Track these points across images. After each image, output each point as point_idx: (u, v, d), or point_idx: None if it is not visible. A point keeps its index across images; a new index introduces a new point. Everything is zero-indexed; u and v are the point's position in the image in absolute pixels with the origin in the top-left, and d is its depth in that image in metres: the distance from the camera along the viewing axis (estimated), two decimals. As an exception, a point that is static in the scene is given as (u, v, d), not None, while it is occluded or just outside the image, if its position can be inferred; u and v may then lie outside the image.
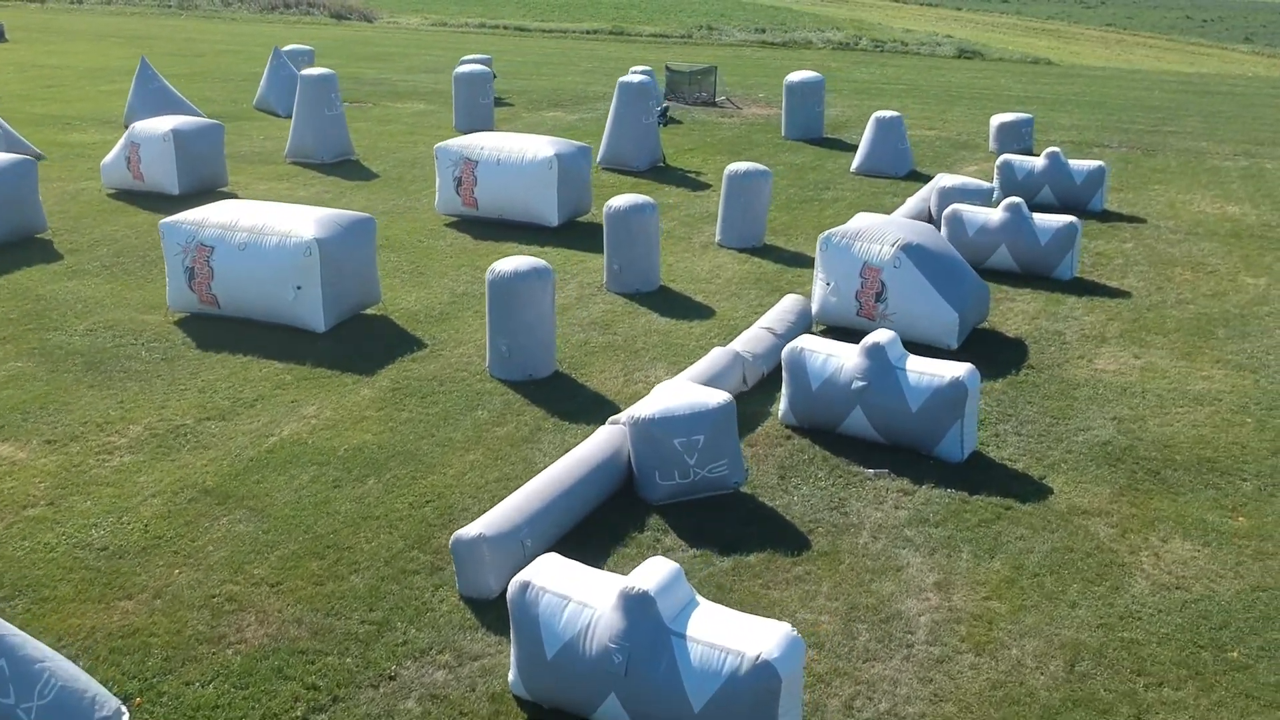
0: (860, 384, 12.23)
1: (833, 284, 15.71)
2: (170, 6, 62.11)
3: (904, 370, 12.15)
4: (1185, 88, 41.25)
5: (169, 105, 29.83)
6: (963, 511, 11.09)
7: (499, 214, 21.06)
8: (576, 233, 20.77)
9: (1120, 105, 36.54)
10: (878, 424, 12.27)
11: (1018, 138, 28.21)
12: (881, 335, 12.39)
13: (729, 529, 10.71)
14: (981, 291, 15.80)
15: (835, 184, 25.19)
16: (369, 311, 16.49)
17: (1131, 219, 22.46)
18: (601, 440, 11.31)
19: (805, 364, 12.66)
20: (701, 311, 16.76)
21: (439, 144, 21.57)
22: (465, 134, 30.37)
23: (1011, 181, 23.22)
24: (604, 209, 17.59)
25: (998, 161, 23.54)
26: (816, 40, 50.72)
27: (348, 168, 26.00)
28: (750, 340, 14.39)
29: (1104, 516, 11.05)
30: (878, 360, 12.26)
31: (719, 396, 11.07)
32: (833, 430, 12.64)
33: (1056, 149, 23.11)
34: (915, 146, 29.34)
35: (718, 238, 20.36)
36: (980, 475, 11.86)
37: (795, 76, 30.12)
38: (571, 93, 36.98)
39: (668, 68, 37.09)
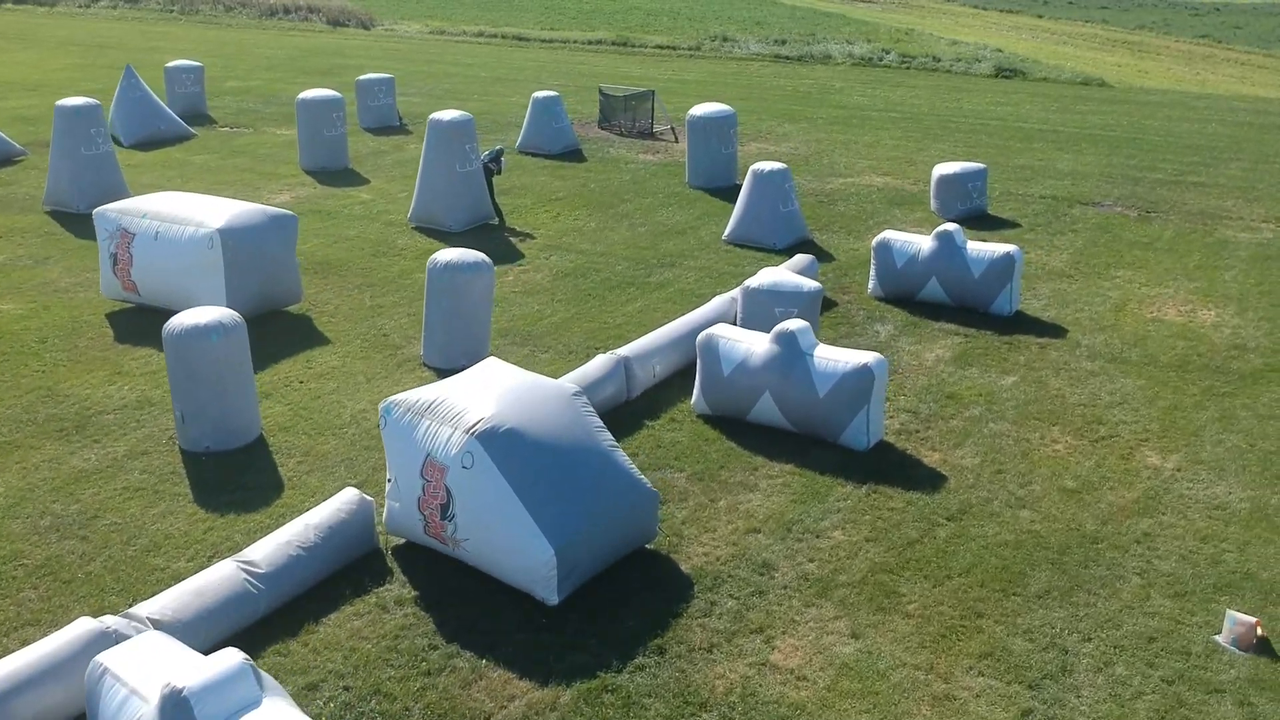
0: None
1: (394, 480, 10.07)
2: (172, 12, 58.88)
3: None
4: (1254, 118, 33.68)
5: (-31, 133, 25.61)
6: None
7: (164, 304, 15.88)
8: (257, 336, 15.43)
9: (1154, 142, 29.45)
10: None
11: (963, 195, 21.77)
12: (213, 663, 6.75)
13: None
14: (635, 505, 9.93)
15: (685, 260, 19.28)
16: None
17: (1049, 328, 16.05)
18: None
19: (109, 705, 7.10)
20: (263, 495, 11.25)
21: (99, 208, 16.50)
22: (310, 172, 25.49)
23: (889, 270, 17.02)
24: (163, 330, 12.21)
25: (874, 242, 17.35)
26: (837, 54, 44.21)
27: (102, 220, 21.15)
28: (195, 593, 8.87)
29: None
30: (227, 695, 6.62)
31: None
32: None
33: (952, 227, 16.80)
34: (847, 200, 23.17)
35: (421, 354, 14.79)
36: None
37: (700, 110, 24.18)
38: (503, 117, 31.59)
39: (601, 91, 31.46)
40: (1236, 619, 8.85)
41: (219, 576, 9.01)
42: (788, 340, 12.30)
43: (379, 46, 47.65)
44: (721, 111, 24.06)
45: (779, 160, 26.84)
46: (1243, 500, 11.28)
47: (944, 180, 21.90)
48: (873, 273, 17.27)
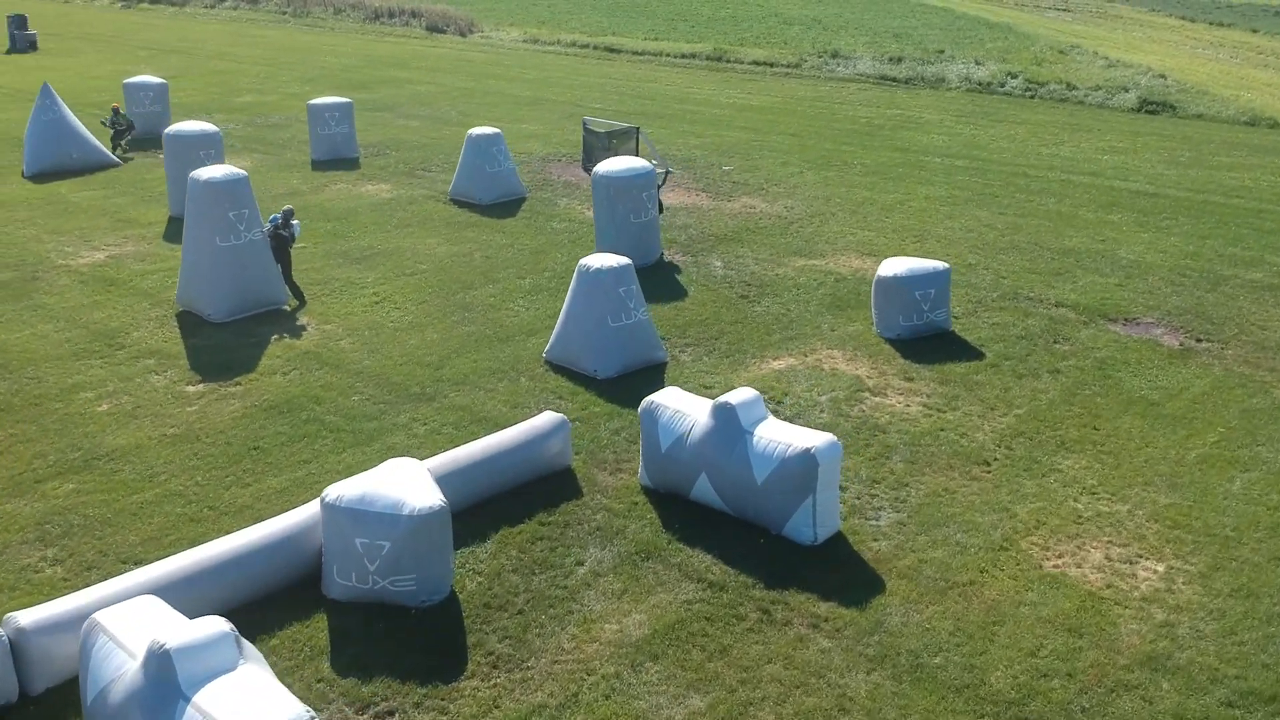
0: None
1: None
2: (285, 14, 56.90)
3: None
4: None
5: None
6: None
7: None
8: None
9: (1289, 219, 21.81)
10: None
11: (908, 307, 15.45)
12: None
13: None
14: None
15: (462, 389, 14.02)
16: None
17: (859, 583, 9.94)
18: None
19: None
20: None
21: None
22: (177, 219, 21.40)
23: (653, 453, 11.25)
24: None
25: (641, 408, 11.57)
26: (954, 77, 37.05)
27: None
28: None
29: None
30: None
31: None
32: None
33: (736, 400, 10.84)
34: (780, 295, 17.32)
35: None
36: None
37: (606, 167, 18.61)
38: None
39: (584, 125, 26.19)
40: None
41: None
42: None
43: (454, 56, 43.78)
44: (633, 170, 18.45)
45: (769, 220, 21.16)
46: None
47: (884, 286, 15.66)
48: (641, 452, 11.55)
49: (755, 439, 10.50)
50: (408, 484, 9.50)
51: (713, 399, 11.24)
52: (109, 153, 25.77)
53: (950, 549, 10.46)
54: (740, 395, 10.82)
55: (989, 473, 11.94)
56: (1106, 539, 10.67)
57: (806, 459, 10.20)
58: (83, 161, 25.12)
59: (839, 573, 10.09)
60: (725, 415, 10.70)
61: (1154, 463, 12.15)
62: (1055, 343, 15.51)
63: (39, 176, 24.41)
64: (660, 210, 19.61)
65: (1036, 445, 12.56)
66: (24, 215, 21.55)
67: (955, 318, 16.37)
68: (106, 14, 57.77)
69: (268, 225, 16.55)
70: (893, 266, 15.71)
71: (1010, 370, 14.57)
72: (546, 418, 11.82)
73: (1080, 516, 11.07)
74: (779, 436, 10.46)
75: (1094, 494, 11.50)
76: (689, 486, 11.00)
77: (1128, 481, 11.76)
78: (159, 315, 16.41)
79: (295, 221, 16.85)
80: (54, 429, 12.84)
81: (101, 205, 22.34)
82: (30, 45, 44.23)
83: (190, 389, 13.97)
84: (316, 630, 9.25)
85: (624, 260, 14.47)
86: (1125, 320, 16.42)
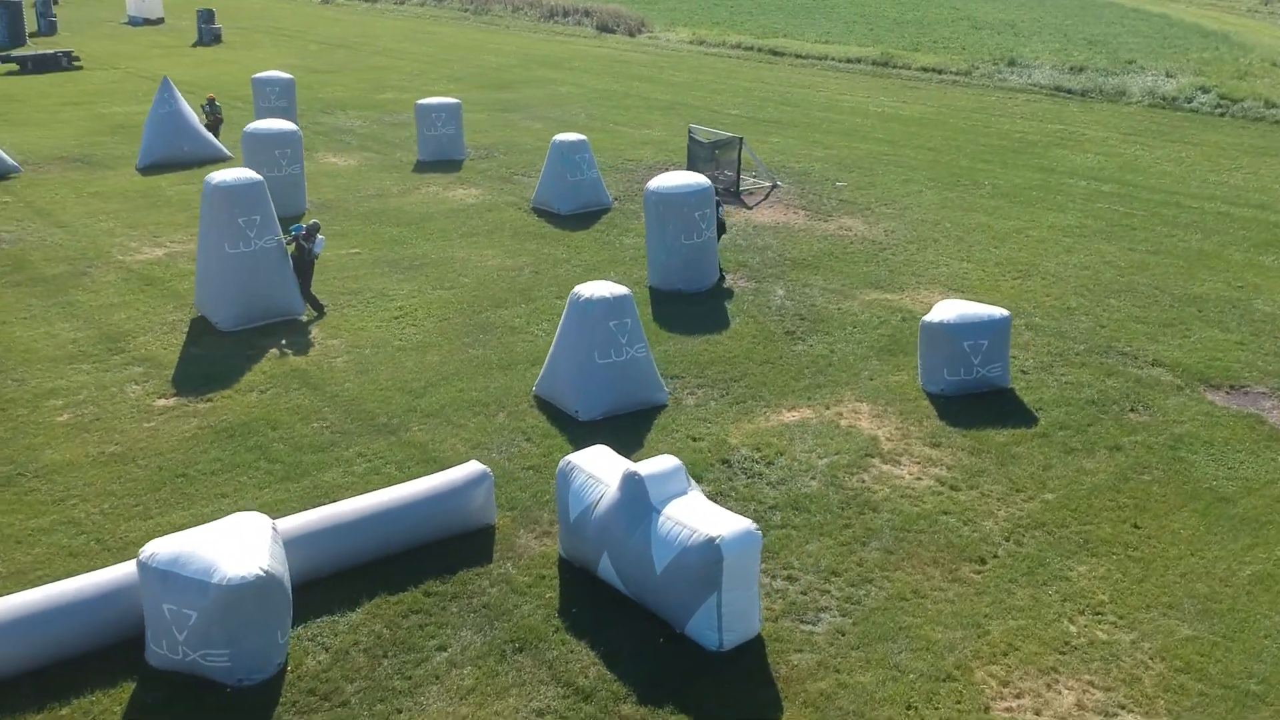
0: None
1: None
2: (466, 12, 57.35)
3: None
4: None
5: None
6: None
7: None
8: None
9: None
10: None
11: (955, 359, 13.37)
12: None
13: None
14: None
15: (425, 423, 12.90)
16: None
17: (755, 697, 8.29)
18: None
19: None
20: None
21: None
22: None
23: (565, 521, 9.78)
24: None
25: (559, 467, 10.11)
26: (1137, 90, 33.47)
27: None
28: None
29: None
30: None
31: None
32: None
33: (646, 471, 9.25)
34: (832, 332, 15.57)
35: None
36: None
37: (658, 183, 17.15)
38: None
39: (690, 133, 24.71)
40: None
41: None
42: None
43: (613, 57, 42.93)
44: (686, 186, 16.93)
45: (860, 245, 19.40)
46: None
47: (930, 333, 13.63)
48: (559, 518, 10.12)
49: (660, 520, 8.92)
50: (235, 545, 8.41)
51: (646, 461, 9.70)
52: (221, 147, 25.95)
53: (883, 672, 8.62)
54: (655, 465, 9.26)
55: (979, 574, 9.95)
56: (1089, 677, 8.59)
57: (709, 550, 8.57)
58: (195, 155, 25.34)
59: (734, 691, 8.42)
60: (633, 488, 9.16)
61: (1192, 578, 9.88)
62: (1131, 411, 13.15)
63: (149, 169, 24.77)
64: (721, 231, 18.01)
65: (1053, 542, 10.45)
66: (113, 207, 21.77)
67: (1023, 372, 14.20)
68: (304, 9, 59.74)
69: (289, 235, 15.88)
70: (941, 311, 13.67)
71: (1060, 443, 12.36)
72: (468, 468, 10.55)
73: (1068, 643, 9.00)
74: (687, 519, 8.85)
75: (1098, 613, 9.37)
76: (594, 564, 9.53)
77: (1148, 601, 9.56)
78: (174, 320, 15.98)
79: (320, 237, 16.08)
80: (0, 439, 12.43)
81: (189, 200, 22.33)
82: (215, 39, 45.92)
83: (159, 403, 13.37)
84: (115, 702, 8.29)
85: (622, 290, 13.02)
86: (1230, 388, 13.84)
